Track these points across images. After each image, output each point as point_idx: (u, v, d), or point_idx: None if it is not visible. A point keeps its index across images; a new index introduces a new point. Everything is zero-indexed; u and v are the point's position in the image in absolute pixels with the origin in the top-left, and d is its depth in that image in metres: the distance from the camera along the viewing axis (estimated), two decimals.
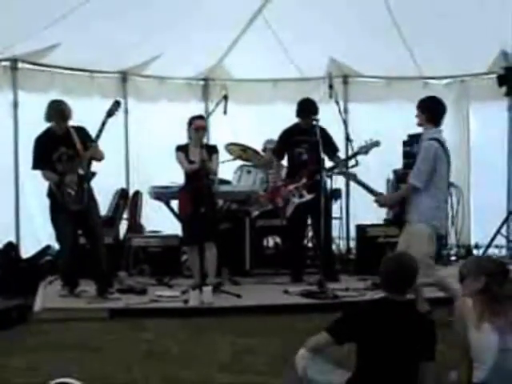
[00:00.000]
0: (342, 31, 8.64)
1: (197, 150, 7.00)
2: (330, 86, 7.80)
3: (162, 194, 7.62)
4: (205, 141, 7.39)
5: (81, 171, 6.67)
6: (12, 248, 7.96)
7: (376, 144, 7.33)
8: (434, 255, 6.07)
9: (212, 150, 7.18)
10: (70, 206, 6.68)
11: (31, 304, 6.63)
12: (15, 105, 8.16)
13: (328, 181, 7.60)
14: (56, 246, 7.30)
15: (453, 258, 8.99)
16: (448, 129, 8.50)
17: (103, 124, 6.63)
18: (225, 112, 7.37)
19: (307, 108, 7.58)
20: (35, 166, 6.78)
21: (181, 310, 6.52)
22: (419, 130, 9.04)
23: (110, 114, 6.72)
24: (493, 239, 8.78)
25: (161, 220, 8.44)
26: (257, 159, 8.68)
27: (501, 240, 8.97)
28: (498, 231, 8.82)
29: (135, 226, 8.96)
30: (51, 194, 6.77)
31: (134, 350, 5.40)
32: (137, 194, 9.03)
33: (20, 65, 8.15)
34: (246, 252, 8.09)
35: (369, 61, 9.32)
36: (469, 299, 3.78)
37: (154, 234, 8.71)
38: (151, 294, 6.99)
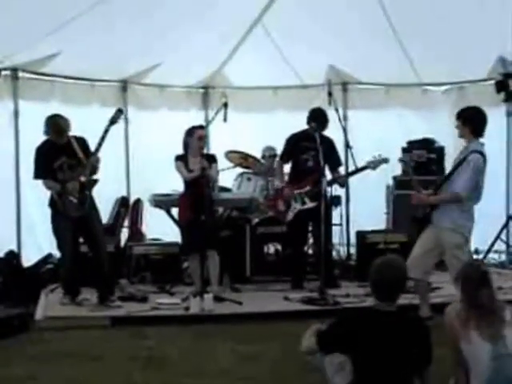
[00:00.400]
0: (342, 38, 8.65)
1: (196, 160, 7.02)
2: (329, 94, 7.85)
3: (163, 202, 7.61)
4: (204, 150, 7.41)
5: (82, 178, 6.67)
6: (13, 256, 7.96)
7: (385, 161, 7.40)
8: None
9: (211, 159, 7.21)
10: (72, 212, 6.67)
11: (33, 312, 6.64)
12: (16, 114, 8.16)
13: (328, 188, 7.62)
14: (57, 254, 7.29)
15: None
16: (446, 135, 8.61)
17: (106, 131, 6.62)
18: (225, 120, 7.40)
19: (318, 117, 7.60)
20: (37, 176, 6.79)
21: (182, 317, 6.52)
22: (418, 136, 9.17)
23: (113, 121, 6.72)
24: (492, 244, 8.77)
25: (162, 228, 8.43)
26: (257, 167, 8.71)
27: (501, 245, 8.97)
28: (498, 236, 8.82)
29: (136, 234, 8.96)
30: (52, 204, 6.77)
31: (135, 358, 5.42)
32: (137, 201, 9.02)
33: (20, 74, 8.13)
34: (246, 259, 8.10)
35: (368, 68, 9.35)
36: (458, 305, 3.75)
37: (154, 242, 8.73)
38: (152, 301, 6.99)
